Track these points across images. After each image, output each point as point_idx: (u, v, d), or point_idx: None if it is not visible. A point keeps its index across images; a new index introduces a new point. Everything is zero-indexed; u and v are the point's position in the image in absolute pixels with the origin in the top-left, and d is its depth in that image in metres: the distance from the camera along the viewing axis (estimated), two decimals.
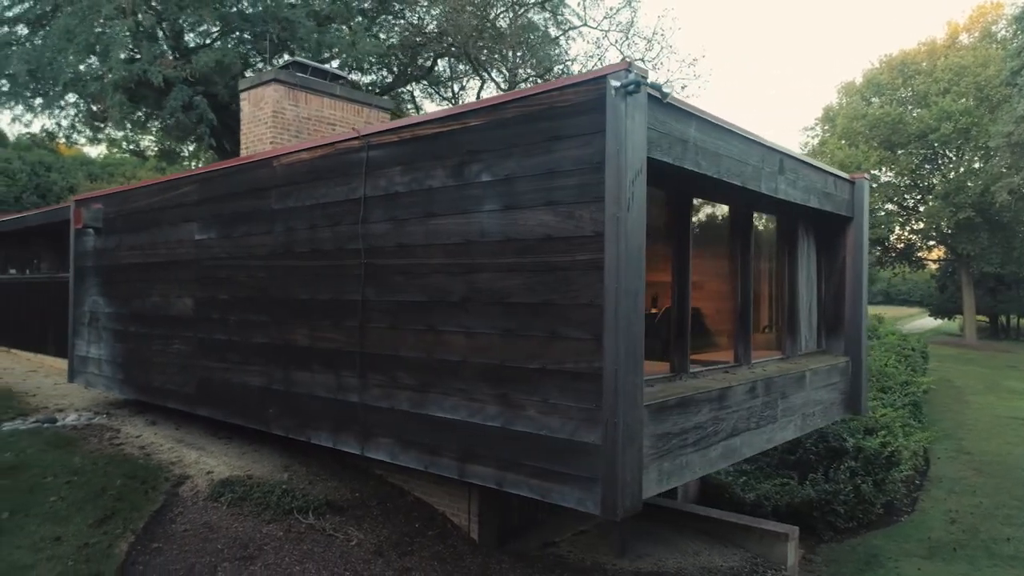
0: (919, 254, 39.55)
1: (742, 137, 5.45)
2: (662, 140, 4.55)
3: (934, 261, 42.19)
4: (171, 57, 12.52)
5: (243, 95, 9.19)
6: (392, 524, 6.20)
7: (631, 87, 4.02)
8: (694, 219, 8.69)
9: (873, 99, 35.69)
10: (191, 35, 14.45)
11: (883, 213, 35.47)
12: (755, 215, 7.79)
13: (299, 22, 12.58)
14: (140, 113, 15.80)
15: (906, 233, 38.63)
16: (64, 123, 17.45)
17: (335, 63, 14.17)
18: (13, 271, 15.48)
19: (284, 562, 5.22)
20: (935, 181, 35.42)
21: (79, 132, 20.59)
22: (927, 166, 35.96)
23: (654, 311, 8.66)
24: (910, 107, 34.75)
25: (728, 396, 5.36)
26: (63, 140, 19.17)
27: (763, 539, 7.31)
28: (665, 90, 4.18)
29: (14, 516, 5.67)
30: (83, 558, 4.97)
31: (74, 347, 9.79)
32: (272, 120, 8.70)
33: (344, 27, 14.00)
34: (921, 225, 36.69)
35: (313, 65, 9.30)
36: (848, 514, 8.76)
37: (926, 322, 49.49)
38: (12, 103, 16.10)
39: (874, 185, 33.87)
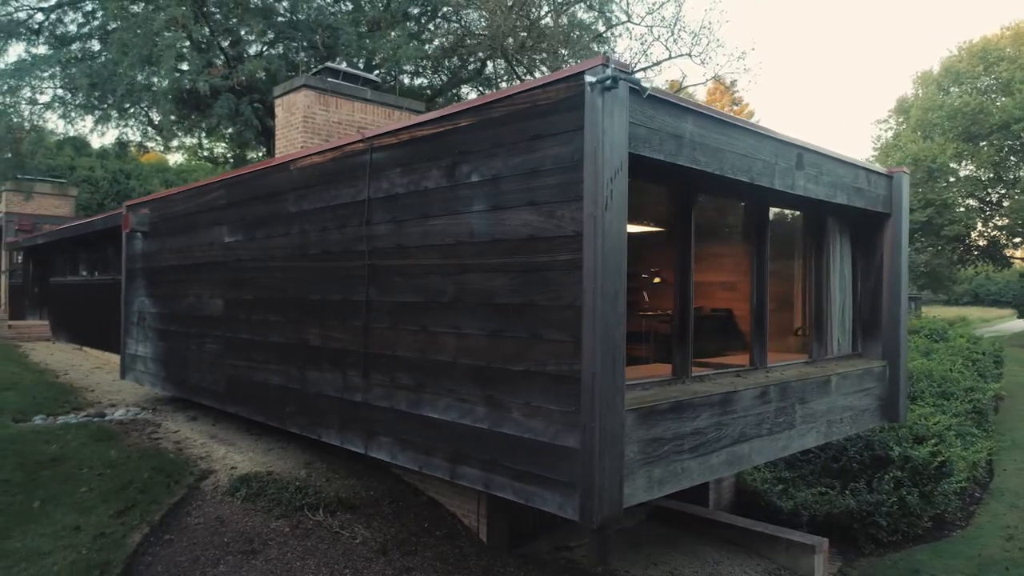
0: (1005, 251, 37.13)
1: (749, 131, 5.23)
2: (652, 136, 4.41)
3: (1022, 259, 39.54)
4: (221, 66, 13.03)
5: (277, 102, 9.46)
6: (401, 523, 6.24)
7: (608, 82, 3.91)
8: (711, 218, 8.49)
9: (952, 88, 33.75)
10: (242, 43, 14.94)
11: (962, 209, 33.47)
12: (781, 213, 7.52)
13: (343, 29, 12.87)
14: (203, 123, 16.52)
15: (989, 230, 36.34)
16: (135, 132, 18.38)
17: (379, 68, 14.46)
18: (84, 273, 16.43)
19: (286, 558, 5.33)
20: (1022, 174, 33.22)
21: (152, 139, 21.67)
22: (1012, 158, 33.74)
23: (670, 311, 8.42)
24: (993, 95, 32.70)
25: (733, 401, 5.16)
26: (134, 148, 20.18)
27: (789, 550, 7.00)
28: (644, 84, 4.05)
29: (44, 505, 5.99)
30: (96, 547, 5.20)
31: (125, 345, 10.29)
32: (303, 125, 8.92)
33: (389, 32, 14.22)
34: (1006, 221, 34.45)
35: (345, 70, 9.48)
36: (892, 527, 8.28)
37: (1015, 324, 46.42)
38: (84, 114, 17.11)
39: (951, 179, 32.05)
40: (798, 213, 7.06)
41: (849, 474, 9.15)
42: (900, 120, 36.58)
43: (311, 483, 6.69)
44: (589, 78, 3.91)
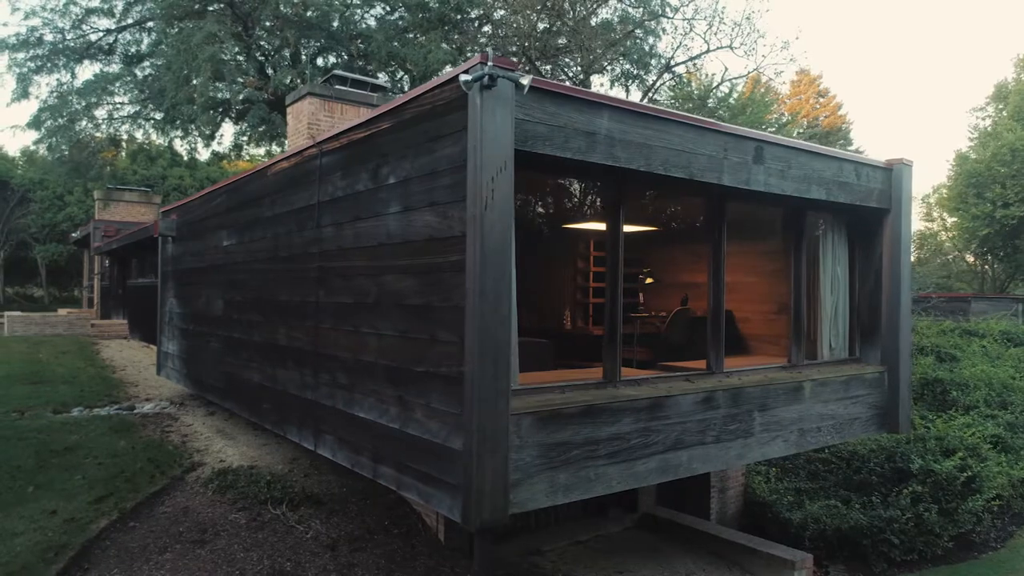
0: None
1: (686, 125, 5.02)
2: (555, 134, 4.32)
3: None
4: (253, 79, 13.70)
5: (288, 110, 9.83)
6: (361, 520, 6.35)
7: (486, 80, 3.86)
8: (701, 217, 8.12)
9: None
10: (298, 53, 15.61)
11: None
12: (766, 211, 7.14)
13: (373, 37, 13.25)
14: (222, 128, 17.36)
15: None
16: (197, 141, 19.53)
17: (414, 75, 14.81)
18: (152, 276, 17.59)
19: (232, 548, 5.53)
20: None
21: (232, 150, 22.96)
22: None
23: (663, 313, 8.18)
24: None
25: (666, 406, 4.96)
26: (201, 156, 21.44)
27: (769, 564, 6.64)
28: (523, 81, 3.96)
29: (37, 490, 6.47)
30: (63, 531, 5.58)
31: (160, 343, 10.95)
32: (307, 132, 9.21)
33: (422, 38, 14.50)
34: None
35: (352, 77, 9.74)
36: (906, 545, 7.68)
37: None
38: (155, 128, 18.33)
39: None
40: (766, 209, 6.70)
41: (868, 487, 8.58)
42: (999, 107, 33.86)
43: (287, 478, 6.91)
44: (464, 77, 3.87)
